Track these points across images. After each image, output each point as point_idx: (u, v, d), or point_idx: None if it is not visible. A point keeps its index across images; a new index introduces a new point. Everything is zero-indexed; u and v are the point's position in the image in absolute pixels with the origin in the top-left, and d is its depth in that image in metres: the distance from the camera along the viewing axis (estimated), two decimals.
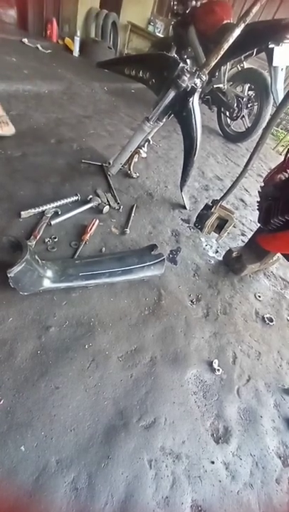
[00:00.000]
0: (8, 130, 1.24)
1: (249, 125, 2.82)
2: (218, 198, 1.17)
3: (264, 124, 2.46)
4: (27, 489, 0.53)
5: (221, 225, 1.21)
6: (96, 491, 0.57)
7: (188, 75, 1.13)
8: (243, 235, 1.63)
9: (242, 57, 2.30)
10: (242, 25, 1.02)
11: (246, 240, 1.38)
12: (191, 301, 1.07)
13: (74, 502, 0.54)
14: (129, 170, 1.54)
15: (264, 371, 0.96)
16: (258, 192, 1.10)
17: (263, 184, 1.08)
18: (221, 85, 2.55)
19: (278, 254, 1.34)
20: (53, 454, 0.58)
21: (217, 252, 1.38)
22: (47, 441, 0.60)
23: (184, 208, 1.56)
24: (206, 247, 1.38)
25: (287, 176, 0.97)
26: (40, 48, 2.83)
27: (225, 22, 2.25)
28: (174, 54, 2.72)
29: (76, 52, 3.32)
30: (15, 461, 0.55)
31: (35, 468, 0.56)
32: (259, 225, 1.16)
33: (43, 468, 0.56)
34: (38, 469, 0.56)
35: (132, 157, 1.46)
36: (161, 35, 4.51)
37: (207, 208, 1.19)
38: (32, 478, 0.55)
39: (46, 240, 0.99)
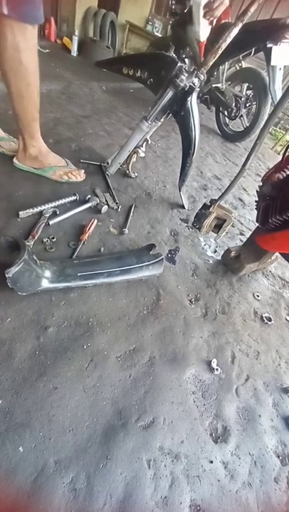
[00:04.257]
0: (83, 175, 1.36)
1: (247, 124, 2.82)
2: (217, 198, 1.17)
3: (262, 124, 2.46)
4: (25, 490, 0.53)
5: (219, 225, 1.21)
6: (95, 491, 0.57)
7: (186, 75, 1.13)
8: (241, 234, 1.63)
9: (240, 56, 2.30)
10: (240, 25, 1.02)
11: (245, 240, 1.38)
12: (190, 301, 1.07)
13: (72, 502, 0.54)
14: (128, 170, 1.54)
15: (263, 370, 0.96)
16: (256, 191, 1.10)
17: (261, 183, 1.08)
18: (219, 85, 2.55)
19: (276, 254, 1.34)
20: (51, 454, 0.58)
21: (216, 251, 1.38)
22: (45, 441, 0.59)
23: (183, 207, 1.56)
24: (204, 246, 1.38)
25: (285, 175, 0.97)
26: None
27: (223, 21, 2.24)
28: (172, 53, 2.72)
29: (74, 52, 3.31)
30: (13, 462, 0.55)
31: (33, 469, 0.56)
32: (257, 224, 1.16)
33: (41, 468, 0.56)
34: (37, 470, 0.56)
35: (130, 157, 1.46)
36: (160, 35, 4.50)
37: (205, 207, 1.19)
38: (30, 478, 0.55)
39: (44, 240, 0.99)
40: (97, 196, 1.27)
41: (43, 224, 1.02)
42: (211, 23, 1.22)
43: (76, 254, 0.99)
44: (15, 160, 1.22)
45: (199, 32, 1.21)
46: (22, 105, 1.03)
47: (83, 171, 1.36)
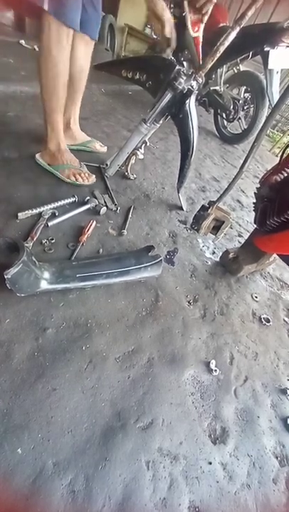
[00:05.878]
0: (92, 179, 1.38)
1: (245, 127, 2.84)
2: (215, 199, 1.18)
3: (260, 126, 2.48)
4: (24, 492, 0.53)
5: (217, 226, 1.22)
6: (93, 493, 0.57)
7: (184, 78, 1.14)
8: (239, 235, 1.64)
9: (238, 59, 2.33)
10: (237, 29, 1.03)
11: (243, 241, 1.39)
12: (188, 302, 1.07)
13: (71, 505, 0.54)
14: (127, 171, 1.54)
15: (261, 371, 0.96)
16: (254, 193, 1.11)
17: (258, 185, 1.08)
18: (217, 87, 2.57)
19: (274, 255, 1.35)
20: (50, 456, 0.58)
21: (214, 253, 1.39)
22: (44, 443, 0.59)
23: (181, 209, 1.57)
24: (203, 248, 1.39)
25: (282, 177, 0.98)
26: (37, 49, 2.83)
27: (221, 25, 2.27)
28: (170, 56, 2.74)
29: None
30: (12, 464, 0.55)
31: (32, 471, 0.56)
32: (255, 226, 1.16)
33: (40, 470, 0.56)
34: (35, 472, 0.56)
35: (129, 159, 1.46)
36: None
37: (203, 209, 1.19)
38: (29, 480, 0.54)
39: (43, 242, 0.99)
40: (96, 198, 1.27)
41: (42, 225, 1.02)
42: (201, 19, 1.22)
43: (75, 255, 1.00)
44: (37, 155, 1.29)
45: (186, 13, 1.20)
46: (47, 94, 1.14)
47: (94, 176, 1.37)
